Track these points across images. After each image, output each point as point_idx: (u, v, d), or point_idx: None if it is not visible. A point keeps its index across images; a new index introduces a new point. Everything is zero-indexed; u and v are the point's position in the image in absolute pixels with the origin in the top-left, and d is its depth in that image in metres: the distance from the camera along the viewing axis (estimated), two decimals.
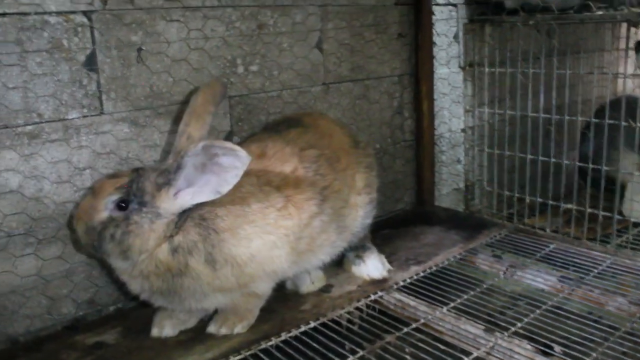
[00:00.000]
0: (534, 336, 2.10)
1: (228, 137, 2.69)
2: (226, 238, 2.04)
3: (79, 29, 2.24)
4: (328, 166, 2.35)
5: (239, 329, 2.18)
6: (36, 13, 2.13)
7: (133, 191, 1.95)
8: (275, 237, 2.13)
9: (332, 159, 2.39)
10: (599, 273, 2.57)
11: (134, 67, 2.38)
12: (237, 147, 1.85)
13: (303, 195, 2.22)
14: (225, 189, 1.93)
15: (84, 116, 2.29)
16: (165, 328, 2.21)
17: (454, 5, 3.48)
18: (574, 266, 2.64)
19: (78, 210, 2.00)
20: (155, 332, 2.21)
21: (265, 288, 2.23)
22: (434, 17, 3.35)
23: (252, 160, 1.91)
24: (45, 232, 2.26)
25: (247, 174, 1.94)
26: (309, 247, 2.28)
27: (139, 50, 2.38)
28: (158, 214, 1.96)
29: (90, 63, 2.28)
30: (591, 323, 2.18)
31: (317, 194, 2.27)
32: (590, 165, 3.07)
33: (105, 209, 1.94)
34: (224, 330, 2.18)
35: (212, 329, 2.20)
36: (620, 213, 3.07)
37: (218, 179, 1.92)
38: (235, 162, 1.88)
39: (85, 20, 2.25)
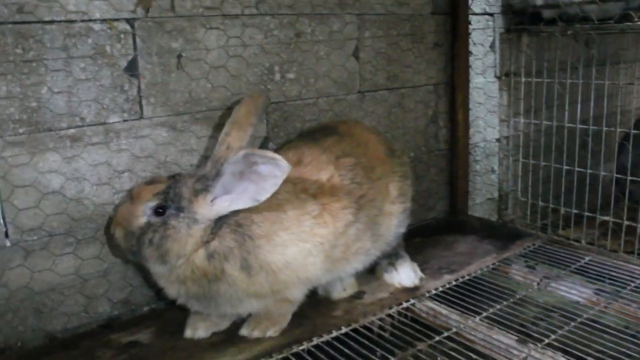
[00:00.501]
0: (568, 349, 2.07)
1: (264, 143, 2.73)
2: (262, 245, 2.07)
3: (122, 35, 2.30)
4: (364, 175, 2.36)
5: (271, 332, 2.21)
6: (82, 20, 2.20)
7: (170, 197, 1.99)
8: (310, 244, 2.14)
9: (367, 167, 2.40)
10: (636, 287, 2.52)
11: (174, 73, 2.44)
12: (278, 156, 1.87)
13: (339, 203, 2.24)
14: (264, 197, 1.96)
15: (124, 120, 2.35)
16: (198, 330, 2.24)
17: (491, 15, 3.47)
18: (610, 279, 2.60)
19: (117, 216, 2.05)
20: (188, 333, 2.25)
21: (298, 294, 2.25)
22: (470, 27, 3.35)
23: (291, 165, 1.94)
24: (84, 232, 2.32)
25: (283, 181, 1.96)
26: (343, 255, 2.29)
27: (179, 56, 2.44)
28: (195, 220, 1.99)
29: (132, 69, 2.34)
30: (628, 337, 2.15)
31: (353, 203, 2.28)
32: (629, 177, 3.02)
33: (143, 214, 1.99)
34: (256, 334, 2.20)
35: (244, 332, 2.22)
36: None
37: (256, 187, 1.95)
38: (275, 171, 1.90)
39: (128, 27, 2.31)
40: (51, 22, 2.13)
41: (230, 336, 2.23)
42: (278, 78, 2.74)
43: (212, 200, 2.00)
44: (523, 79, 3.42)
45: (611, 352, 2.04)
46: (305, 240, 2.13)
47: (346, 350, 2.10)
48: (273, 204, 2.09)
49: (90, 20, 2.22)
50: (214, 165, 2.05)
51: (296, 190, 2.18)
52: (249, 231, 2.07)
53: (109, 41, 2.27)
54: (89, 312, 2.38)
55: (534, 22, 3.29)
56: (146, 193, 2.01)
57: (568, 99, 3.21)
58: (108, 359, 2.12)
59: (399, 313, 2.37)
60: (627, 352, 2.05)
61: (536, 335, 2.17)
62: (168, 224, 1.98)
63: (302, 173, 2.25)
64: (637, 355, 2.02)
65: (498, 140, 3.66)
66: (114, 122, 2.33)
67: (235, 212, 2.05)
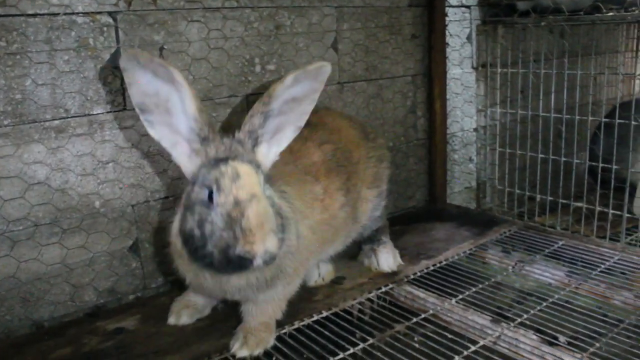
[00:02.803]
0: (540, 327, 2.16)
1: None
2: (299, 219, 2.06)
3: (105, 28, 2.34)
4: (344, 159, 2.41)
5: (260, 349, 2.05)
6: (65, 13, 2.23)
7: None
8: (314, 223, 2.17)
9: (346, 151, 2.45)
10: (606, 269, 2.62)
11: None
12: (316, 64, 1.86)
13: (334, 185, 2.30)
14: (305, 119, 1.95)
15: (108, 112, 2.39)
16: (182, 317, 2.29)
17: (467, 7, 3.55)
18: (582, 262, 2.69)
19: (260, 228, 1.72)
20: (172, 320, 2.29)
21: (299, 282, 2.24)
22: (447, 19, 3.42)
23: (282, 153, 1.95)
24: (69, 222, 2.36)
25: (286, 163, 1.97)
26: (332, 237, 2.35)
27: (161, 49, 2.48)
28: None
29: (115, 61, 2.38)
30: (597, 316, 2.24)
31: (343, 184, 2.34)
32: (601, 165, 3.11)
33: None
34: (244, 352, 2.03)
35: (236, 346, 2.05)
36: (630, 212, 3.11)
37: (296, 112, 1.92)
38: (315, 84, 1.91)
39: (110, 20, 2.35)
40: (34, 15, 2.17)
41: (213, 321, 2.29)
42: (258, 70, 2.79)
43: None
44: (499, 70, 3.50)
45: (580, 330, 2.13)
46: (309, 218, 2.14)
47: (327, 333, 2.16)
48: (296, 180, 2.12)
49: (73, 14, 2.26)
50: (256, 110, 1.87)
51: (300, 172, 2.21)
52: (292, 201, 2.03)
53: (92, 34, 2.31)
54: (75, 301, 2.43)
55: (509, 14, 3.37)
56: (267, 224, 1.74)
57: (542, 89, 3.30)
58: (95, 345, 2.17)
59: (378, 297, 2.44)
60: (596, 329, 2.14)
61: (510, 315, 2.25)
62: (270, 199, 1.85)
63: (297, 157, 2.26)
64: (604, 332, 2.11)
65: (475, 129, 3.74)
66: (98, 114, 2.37)
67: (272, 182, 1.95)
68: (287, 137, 1.96)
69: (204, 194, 1.74)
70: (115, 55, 2.36)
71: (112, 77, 2.38)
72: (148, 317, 2.37)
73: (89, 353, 2.10)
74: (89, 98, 2.34)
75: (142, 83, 1.74)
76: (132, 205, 2.50)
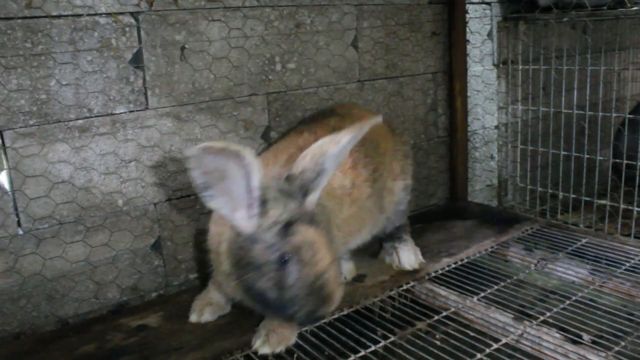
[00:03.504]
0: (563, 325, 2.14)
1: (266, 132, 2.79)
2: (330, 219, 2.13)
3: (127, 29, 2.36)
4: (372, 149, 2.42)
5: (282, 346, 2.07)
6: (88, 14, 2.26)
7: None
8: (341, 221, 2.21)
9: (373, 142, 2.45)
10: (631, 267, 2.58)
11: (178, 65, 2.50)
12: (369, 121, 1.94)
13: (362, 177, 2.32)
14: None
15: (130, 111, 2.42)
16: (205, 314, 2.31)
17: (488, 3, 3.52)
18: (606, 260, 2.66)
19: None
20: (194, 317, 2.31)
21: None
22: (467, 16, 3.40)
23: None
24: (93, 220, 2.39)
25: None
26: (359, 228, 2.38)
27: (183, 48, 2.50)
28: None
29: (137, 61, 2.40)
30: (621, 314, 2.21)
31: (370, 176, 2.35)
32: (625, 161, 3.07)
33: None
34: (266, 349, 2.06)
35: (258, 343, 2.08)
36: None
37: (340, 161, 1.97)
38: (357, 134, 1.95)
39: (132, 20, 2.37)
40: (58, 16, 2.20)
41: (235, 318, 2.30)
42: (279, 68, 2.80)
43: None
44: (520, 67, 3.47)
45: (604, 328, 2.11)
46: (338, 217, 2.19)
47: (348, 330, 2.17)
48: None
49: (96, 14, 2.29)
50: (309, 165, 1.90)
51: None
52: (323, 207, 2.07)
53: (114, 34, 2.34)
54: (99, 298, 2.46)
55: (530, 10, 3.34)
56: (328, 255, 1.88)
57: (565, 86, 3.26)
58: (118, 341, 2.20)
59: (399, 295, 2.44)
60: (621, 327, 2.11)
61: (533, 314, 2.24)
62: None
63: None
64: (630, 330, 2.08)
65: (496, 127, 3.71)
66: (121, 113, 2.40)
67: None
68: (327, 179, 1.95)
69: (274, 257, 1.82)
70: (138, 55, 2.39)
71: (134, 76, 2.40)
72: (170, 315, 2.39)
73: (113, 349, 2.13)
74: (111, 98, 2.37)
75: (207, 167, 1.74)
76: (154, 204, 2.52)
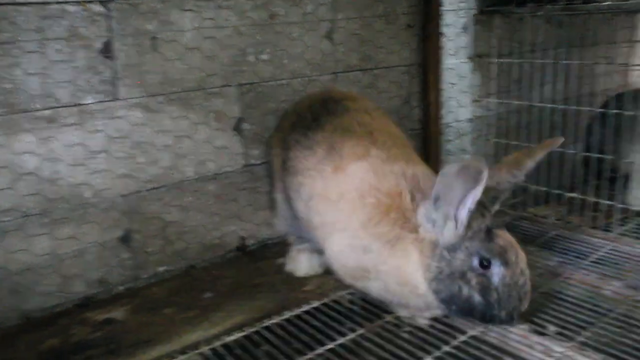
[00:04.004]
0: (529, 317, 2.15)
1: (238, 123, 2.78)
2: None
3: (97, 17, 2.33)
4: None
5: None
6: (56, 2, 2.22)
7: None
8: None
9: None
10: (597, 259, 2.62)
11: (149, 55, 2.47)
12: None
13: None
14: None
15: (99, 101, 2.39)
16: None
17: None
18: (574, 252, 2.69)
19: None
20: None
21: None
22: (442, 8, 3.39)
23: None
24: (59, 212, 2.36)
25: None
26: None
27: (154, 38, 2.47)
28: None
29: (107, 50, 2.37)
30: (587, 305, 2.24)
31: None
32: (596, 155, 3.10)
33: None
34: None
35: None
36: (624, 202, 3.10)
37: None
38: None
39: (102, 9, 2.34)
40: (26, 3, 2.16)
41: (203, 311, 2.30)
42: (252, 59, 2.78)
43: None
44: (495, 60, 3.48)
45: (569, 319, 2.14)
46: None
47: (316, 323, 2.17)
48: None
49: (64, 2, 2.25)
50: (505, 177, 2.09)
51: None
52: None
53: (83, 23, 2.30)
54: (65, 292, 2.43)
55: (505, 4, 3.34)
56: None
57: (539, 80, 3.28)
58: (84, 335, 2.19)
59: None
60: (585, 318, 2.14)
61: None
62: None
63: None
64: (593, 321, 2.11)
65: (470, 120, 3.72)
66: (89, 103, 2.36)
67: None
68: None
69: (475, 263, 1.95)
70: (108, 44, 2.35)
71: (103, 66, 2.37)
72: (138, 308, 2.38)
73: (78, 343, 2.12)
74: (80, 88, 2.33)
75: (451, 183, 1.87)
76: (123, 196, 2.50)
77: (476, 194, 1.84)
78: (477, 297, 1.95)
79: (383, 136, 2.32)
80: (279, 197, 2.58)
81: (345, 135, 2.30)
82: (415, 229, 2.01)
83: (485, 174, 1.79)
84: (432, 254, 1.98)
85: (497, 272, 1.95)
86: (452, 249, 1.96)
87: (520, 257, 1.99)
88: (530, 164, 2.11)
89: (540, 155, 2.14)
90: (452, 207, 1.91)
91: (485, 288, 1.95)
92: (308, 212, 2.26)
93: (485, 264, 1.94)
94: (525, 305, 2.00)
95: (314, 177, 2.23)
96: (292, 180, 2.34)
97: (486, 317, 1.98)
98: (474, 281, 1.95)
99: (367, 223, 2.05)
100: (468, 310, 1.99)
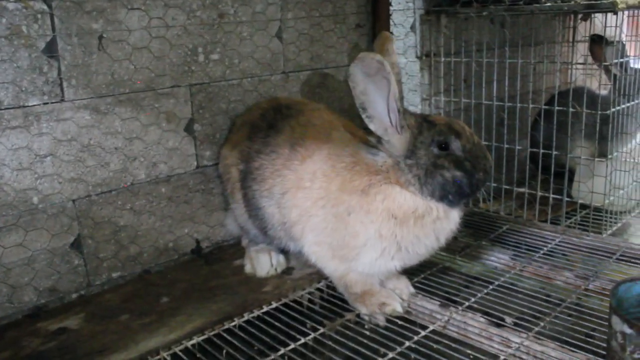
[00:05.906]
0: (487, 310, 2.19)
1: (189, 124, 2.72)
2: None
3: (39, 15, 2.24)
4: None
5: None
6: None
7: None
8: None
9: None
10: (548, 251, 2.69)
11: (95, 55, 2.40)
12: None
13: None
14: None
15: (45, 103, 2.30)
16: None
17: None
18: (525, 245, 2.76)
19: None
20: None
21: None
22: (391, 8, 3.42)
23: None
24: (5, 219, 2.26)
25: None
26: None
27: (100, 37, 2.40)
28: None
29: (51, 50, 2.28)
30: (540, 296, 2.30)
31: None
32: (541, 151, 3.19)
33: None
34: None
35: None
36: (569, 196, 3.20)
37: None
38: None
39: (45, 7, 2.25)
40: None
41: (161, 317, 2.24)
42: (202, 59, 2.74)
43: None
44: (443, 59, 3.53)
45: (525, 310, 2.18)
46: None
47: (277, 324, 2.15)
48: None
49: None
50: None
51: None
52: None
53: (25, 21, 2.21)
54: (14, 302, 2.33)
55: (451, 4, 3.40)
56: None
57: (485, 78, 3.35)
58: (36, 346, 2.09)
59: (328, 287, 2.43)
60: (540, 309, 2.19)
61: (458, 300, 2.29)
62: None
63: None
64: (548, 311, 2.16)
65: None
66: (34, 105, 2.27)
67: None
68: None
69: (435, 150, 2.07)
70: (52, 44, 2.27)
71: (48, 66, 2.28)
72: (92, 316, 2.30)
73: (31, 355, 2.03)
74: (23, 89, 2.24)
75: (361, 83, 1.98)
76: (72, 200, 2.41)
77: (394, 90, 1.96)
78: (457, 173, 2.07)
79: (340, 124, 2.46)
80: (237, 207, 2.60)
81: (305, 130, 2.41)
82: (377, 172, 2.12)
83: (383, 60, 1.90)
84: (401, 173, 2.09)
85: (456, 145, 2.08)
86: (411, 154, 2.09)
87: (460, 123, 2.15)
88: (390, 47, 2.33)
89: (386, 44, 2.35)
90: (382, 110, 2.02)
91: (457, 162, 2.07)
92: (283, 210, 2.31)
93: (443, 146, 2.07)
94: (490, 158, 2.15)
95: (284, 174, 2.32)
96: (260, 188, 2.40)
97: (473, 185, 2.09)
98: (445, 163, 2.06)
99: (343, 184, 2.15)
100: (459, 190, 2.09)
